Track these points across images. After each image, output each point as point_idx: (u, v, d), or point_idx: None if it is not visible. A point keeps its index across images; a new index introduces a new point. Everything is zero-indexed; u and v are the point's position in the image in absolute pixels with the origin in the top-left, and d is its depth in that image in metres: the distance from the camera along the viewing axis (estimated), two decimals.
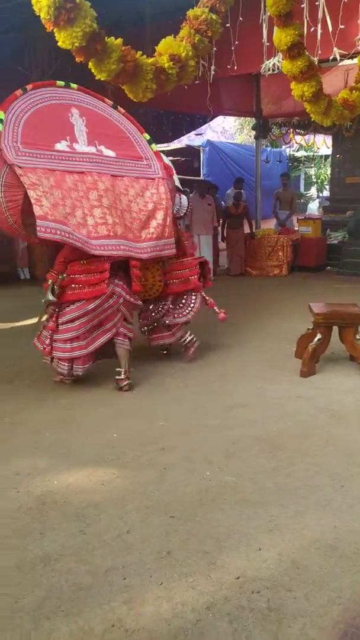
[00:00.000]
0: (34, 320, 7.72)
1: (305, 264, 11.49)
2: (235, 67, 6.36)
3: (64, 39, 2.06)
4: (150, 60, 2.39)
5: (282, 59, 2.93)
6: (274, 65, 5.66)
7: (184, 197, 5.97)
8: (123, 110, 5.34)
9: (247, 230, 11.70)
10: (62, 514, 3.22)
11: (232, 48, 6.15)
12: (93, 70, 2.27)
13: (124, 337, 5.24)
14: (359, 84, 3.39)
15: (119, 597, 2.56)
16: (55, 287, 5.00)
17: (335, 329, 5.57)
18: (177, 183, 5.98)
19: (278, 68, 5.62)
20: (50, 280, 5.06)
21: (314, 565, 2.76)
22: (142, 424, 4.43)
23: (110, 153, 5.27)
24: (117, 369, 5.18)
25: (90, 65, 2.20)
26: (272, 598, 2.54)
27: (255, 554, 2.85)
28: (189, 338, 5.89)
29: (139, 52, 2.37)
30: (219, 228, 11.55)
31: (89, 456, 3.92)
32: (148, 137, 5.71)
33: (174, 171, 5.92)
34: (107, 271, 4.88)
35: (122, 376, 5.15)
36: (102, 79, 2.27)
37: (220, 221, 11.46)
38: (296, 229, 12.29)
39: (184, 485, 3.51)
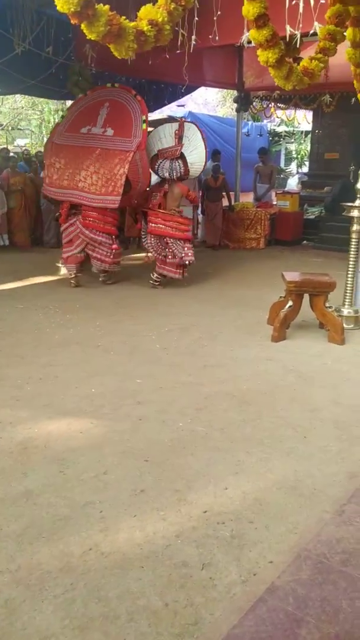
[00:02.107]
0: (14, 284, 7.88)
1: (282, 237, 11.71)
2: (217, 38, 6.43)
3: (62, 5, 2.30)
4: (132, 24, 2.61)
5: (249, 28, 3.14)
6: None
7: (175, 163, 7.57)
8: (140, 98, 7.67)
9: (225, 203, 11.84)
10: (43, 457, 3.44)
11: (215, 18, 6.23)
12: (85, 31, 2.49)
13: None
14: (319, 55, 3.59)
15: (96, 527, 2.80)
16: None
17: (306, 297, 5.82)
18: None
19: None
20: None
21: (274, 502, 3.03)
22: (120, 381, 4.64)
23: (110, 132, 7.49)
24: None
25: (82, 27, 2.43)
26: (235, 528, 2.80)
27: (221, 492, 3.11)
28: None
29: (123, 17, 2.57)
30: (198, 200, 11.66)
31: (68, 408, 4.13)
32: (144, 118, 7.45)
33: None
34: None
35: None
36: (92, 39, 2.50)
37: (200, 193, 11.57)
38: (274, 203, 12.47)
39: (158, 434, 3.75)
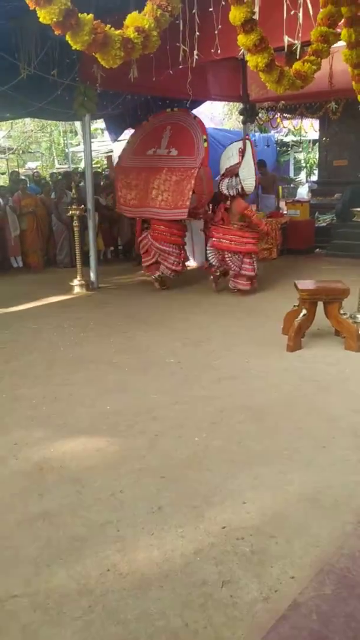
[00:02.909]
0: (27, 305, 7.93)
1: (294, 246, 11.65)
2: (219, 51, 6.48)
3: (44, 15, 2.32)
4: (118, 31, 2.61)
5: (238, 34, 3.14)
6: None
7: (233, 180, 7.92)
8: (199, 119, 8.54)
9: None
10: (59, 477, 3.42)
11: (215, 32, 6.27)
12: (69, 41, 2.49)
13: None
14: (311, 57, 3.56)
15: (113, 546, 2.76)
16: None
17: (320, 305, 5.76)
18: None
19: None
20: None
21: (295, 516, 2.96)
22: (135, 397, 4.62)
23: (174, 152, 8.27)
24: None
25: (67, 37, 2.44)
26: (255, 543, 2.74)
27: (240, 507, 3.05)
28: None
29: (108, 25, 2.58)
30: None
31: (83, 426, 4.11)
32: (205, 137, 8.15)
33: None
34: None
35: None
36: (77, 49, 2.51)
37: (211, 206, 11.58)
38: (285, 212, 12.44)
39: (174, 449, 3.71)
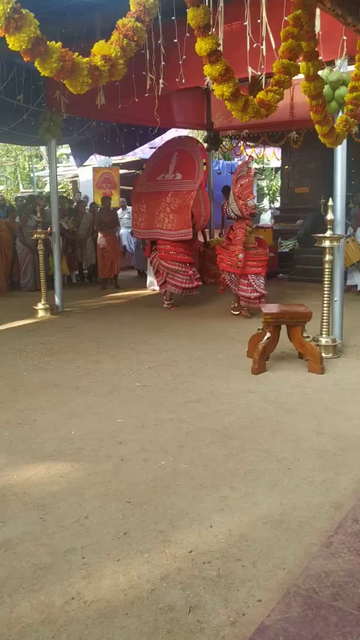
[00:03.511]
0: None
1: None
2: (184, 81, 6.65)
3: (13, 43, 2.37)
4: (86, 59, 2.68)
5: (204, 64, 3.27)
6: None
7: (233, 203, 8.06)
8: (201, 145, 9.36)
9: (201, 239, 11.95)
10: (22, 504, 3.34)
11: (180, 62, 6.45)
12: (38, 68, 2.56)
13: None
14: (274, 87, 3.72)
15: (78, 574, 2.70)
16: None
17: (284, 328, 5.85)
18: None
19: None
20: None
21: (261, 538, 2.96)
22: (100, 422, 4.57)
23: (178, 177, 8.87)
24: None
25: (36, 64, 2.50)
26: (222, 567, 2.72)
27: (207, 530, 3.03)
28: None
29: (76, 53, 2.65)
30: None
31: (47, 452, 4.04)
32: (204, 161, 8.90)
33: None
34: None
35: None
36: (46, 75, 2.58)
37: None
38: None
39: (140, 474, 3.68)
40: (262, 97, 3.72)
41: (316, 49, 4.09)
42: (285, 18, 4.29)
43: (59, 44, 2.63)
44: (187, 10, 3.13)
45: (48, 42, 2.58)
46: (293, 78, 4.48)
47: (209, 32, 3.15)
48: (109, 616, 2.42)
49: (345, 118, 4.88)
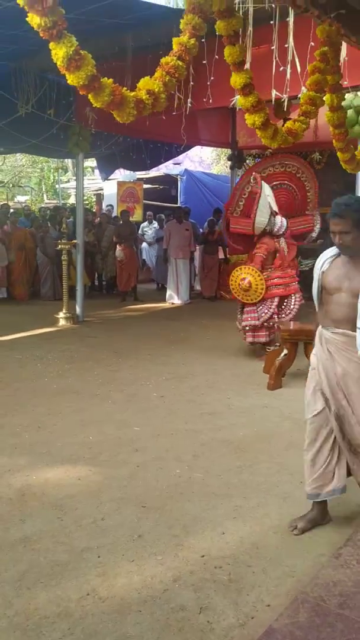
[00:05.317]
0: (12, 336, 7.99)
1: None
2: (211, 101, 6.83)
3: (72, 79, 2.61)
4: (132, 93, 2.91)
5: (238, 95, 3.53)
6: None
7: (278, 218, 7.24)
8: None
9: (221, 255, 12.12)
10: (41, 504, 3.46)
11: (208, 83, 6.63)
12: (91, 101, 2.80)
13: None
14: (301, 117, 3.92)
15: (94, 572, 2.80)
16: None
17: (301, 345, 5.93)
18: (274, 206, 7.22)
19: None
20: None
21: (272, 546, 3.04)
22: (118, 429, 4.68)
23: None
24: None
25: (90, 97, 2.74)
26: (232, 572, 2.80)
27: (219, 537, 3.12)
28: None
29: (124, 88, 2.88)
30: (196, 253, 11.98)
31: (66, 455, 4.16)
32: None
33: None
34: None
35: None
36: (97, 106, 2.81)
37: (197, 247, 11.89)
38: None
39: (155, 480, 3.77)
40: (290, 126, 3.94)
41: (340, 81, 4.28)
42: (314, 54, 4.48)
43: (111, 80, 2.87)
44: (225, 48, 3.33)
45: (102, 79, 2.81)
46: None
47: (244, 68, 3.38)
48: (123, 612, 2.51)
49: None
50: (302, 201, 8.42)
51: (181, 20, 3.12)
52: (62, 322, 8.91)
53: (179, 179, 16.83)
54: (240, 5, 6.15)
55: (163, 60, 3.10)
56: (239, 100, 3.56)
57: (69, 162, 20.34)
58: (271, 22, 6.20)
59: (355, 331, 2.91)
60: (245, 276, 6.85)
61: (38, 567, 2.84)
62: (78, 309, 9.36)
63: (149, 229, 14.10)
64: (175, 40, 3.13)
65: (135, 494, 3.58)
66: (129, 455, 4.18)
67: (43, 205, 18.02)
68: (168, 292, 11.34)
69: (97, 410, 5.14)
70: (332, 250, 3.22)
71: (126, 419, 4.92)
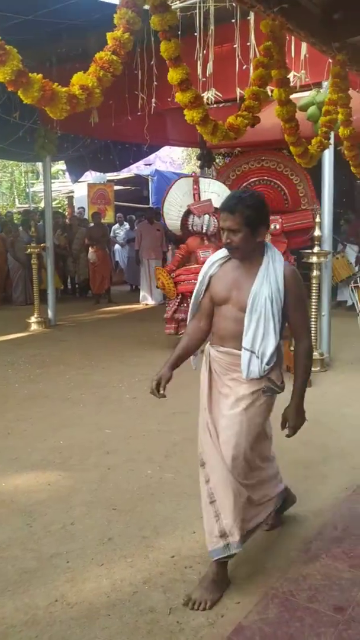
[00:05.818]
0: None
1: None
2: (175, 100, 6.82)
3: None
4: (64, 89, 2.89)
5: (175, 92, 3.56)
6: (207, 98, 6.20)
7: (206, 217, 7.38)
8: None
9: None
10: (10, 511, 3.40)
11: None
12: (21, 96, 2.77)
13: None
14: (244, 112, 3.95)
15: (62, 577, 2.77)
16: None
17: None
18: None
19: (211, 101, 6.32)
20: None
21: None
22: (89, 432, 4.64)
23: None
24: None
25: (19, 93, 2.71)
26: (203, 571, 2.78)
27: (190, 536, 3.11)
28: None
29: (56, 83, 2.86)
30: (167, 253, 11.96)
31: (35, 461, 4.11)
32: None
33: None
34: None
35: None
36: (28, 103, 2.79)
37: (169, 247, 11.87)
38: None
39: (126, 482, 3.75)
40: (232, 122, 3.98)
41: (287, 76, 4.34)
42: (258, 48, 4.54)
43: (40, 75, 2.85)
44: (160, 43, 3.35)
45: (30, 74, 2.78)
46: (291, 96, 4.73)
47: (180, 63, 3.40)
48: (91, 617, 2.48)
49: (320, 140, 5.08)
50: (293, 196, 8.41)
51: (115, 15, 3.10)
52: (33, 327, 8.82)
53: (150, 180, 16.81)
54: (201, 5, 6.20)
55: (97, 55, 3.07)
56: (177, 96, 3.57)
57: (39, 165, 20.18)
58: (232, 20, 6.24)
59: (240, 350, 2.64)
60: (158, 277, 7.46)
61: (5, 575, 2.79)
62: (50, 313, 9.27)
63: (121, 231, 14.05)
64: (109, 35, 3.10)
65: (106, 497, 3.55)
66: (99, 458, 4.14)
67: (11, 210, 17.85)
68: (142, 293, 11.32)
69: (68, 414, 5.09)
70: (222, 252, 2.77)
71: (98, 421, 4.88)
